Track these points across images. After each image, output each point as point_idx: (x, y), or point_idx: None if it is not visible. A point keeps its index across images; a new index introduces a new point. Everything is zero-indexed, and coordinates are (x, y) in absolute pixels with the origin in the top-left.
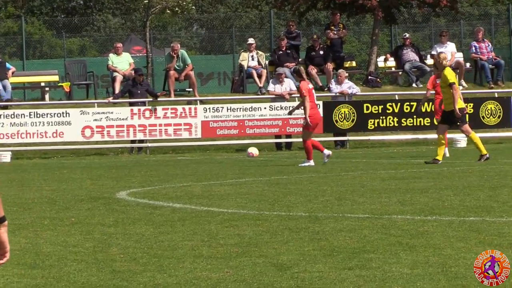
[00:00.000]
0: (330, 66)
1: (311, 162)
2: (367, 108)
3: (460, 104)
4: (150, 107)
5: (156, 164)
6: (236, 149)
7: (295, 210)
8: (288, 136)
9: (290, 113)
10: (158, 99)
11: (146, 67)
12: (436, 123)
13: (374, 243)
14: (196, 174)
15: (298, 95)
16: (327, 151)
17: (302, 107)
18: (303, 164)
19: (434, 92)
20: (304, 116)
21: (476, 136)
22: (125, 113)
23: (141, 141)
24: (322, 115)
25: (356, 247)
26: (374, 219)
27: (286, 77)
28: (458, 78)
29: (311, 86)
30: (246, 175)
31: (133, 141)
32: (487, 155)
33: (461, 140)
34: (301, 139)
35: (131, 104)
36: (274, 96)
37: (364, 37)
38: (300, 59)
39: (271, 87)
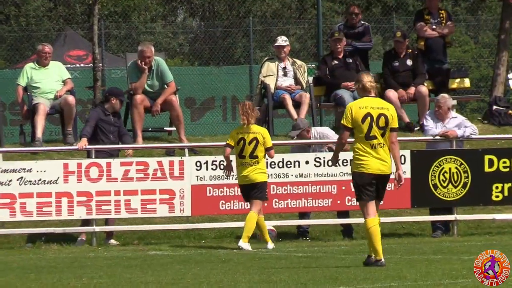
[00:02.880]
0: (424, 87)
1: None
2: (491, 163)
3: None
4: (98, 161)
5: (110, 264)
6: (254, 236)
7: None
8: (344, 213)
9: None
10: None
11: (93, 86)
12: None
13: None
14: (181, 283)
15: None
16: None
17: None
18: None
19: None
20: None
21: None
22: (54, 171)
23: (85, 222)
24: (410, 171)
25: None
26: None
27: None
28: None
29: None
30: (272, 284)
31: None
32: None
33: None
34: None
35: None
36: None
37: (485, 35)
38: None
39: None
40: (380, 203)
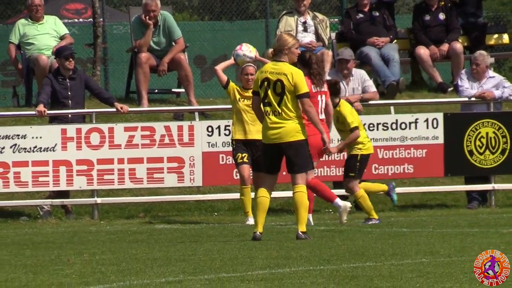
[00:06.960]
0: (459, 43)
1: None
2: None
3: None
4: (99, 126)
5: (113, 239)
6: (272, 210)
7: None
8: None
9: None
10: (118, 108)
11: (94, 44)
12: None
13: None
14: (191, 259)
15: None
16: (341, 202)
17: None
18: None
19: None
20: None
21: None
22: (51, 138)
23: (50, 195)
24: (443, 136)
25: None
26: None
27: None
28: None
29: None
30: (291, 261)
31: (62, 193)
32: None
33: None
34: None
35: (54, 119)
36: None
37: None
38: (399, 29)
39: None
40: (300, 174)
